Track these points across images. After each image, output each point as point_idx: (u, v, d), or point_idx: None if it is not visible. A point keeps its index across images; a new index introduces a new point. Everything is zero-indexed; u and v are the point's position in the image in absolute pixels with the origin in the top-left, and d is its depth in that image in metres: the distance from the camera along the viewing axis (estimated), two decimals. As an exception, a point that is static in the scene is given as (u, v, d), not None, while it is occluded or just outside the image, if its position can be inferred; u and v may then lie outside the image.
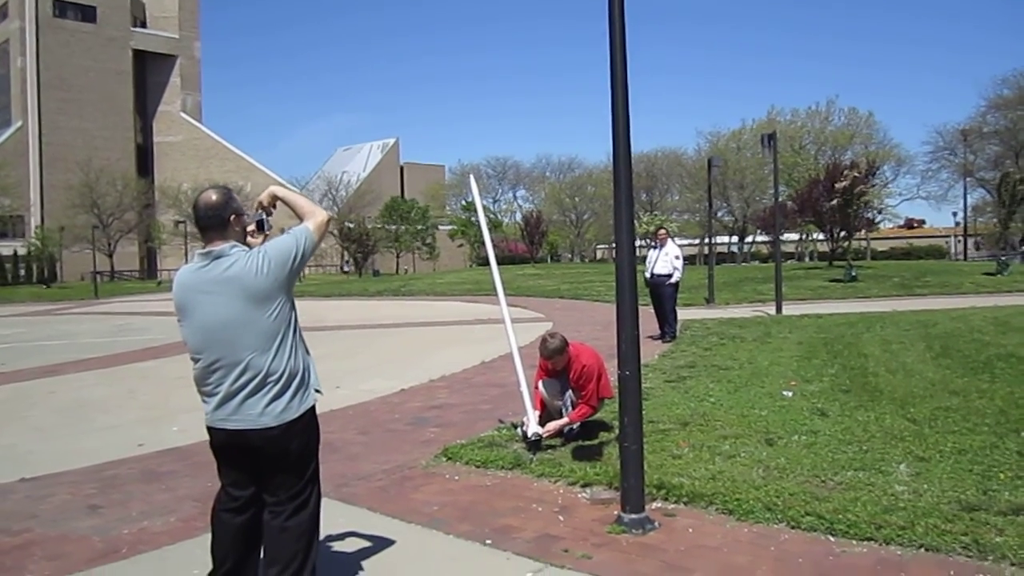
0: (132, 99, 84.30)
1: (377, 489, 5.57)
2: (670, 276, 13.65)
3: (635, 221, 5.41)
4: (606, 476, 5.36)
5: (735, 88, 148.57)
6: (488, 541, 4.45)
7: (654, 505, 4.86)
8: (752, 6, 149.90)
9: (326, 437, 6.48)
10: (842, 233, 33.29)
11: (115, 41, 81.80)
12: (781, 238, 21.81)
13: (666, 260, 13.75)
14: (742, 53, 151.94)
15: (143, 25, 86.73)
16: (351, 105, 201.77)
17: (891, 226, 68.10)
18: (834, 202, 30.30)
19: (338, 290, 37.77)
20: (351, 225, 62.26)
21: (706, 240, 50.10)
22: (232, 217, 3.46)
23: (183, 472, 6.15)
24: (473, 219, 68.92)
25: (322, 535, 4.36)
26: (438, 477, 5.80)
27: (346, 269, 69.88)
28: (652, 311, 13.72)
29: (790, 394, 8.03)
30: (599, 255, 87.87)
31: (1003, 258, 28.64)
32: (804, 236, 61.25)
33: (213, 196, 3.48)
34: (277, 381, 3.39)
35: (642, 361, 4.98)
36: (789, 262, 47.43)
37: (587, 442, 6.41)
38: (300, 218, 3.61)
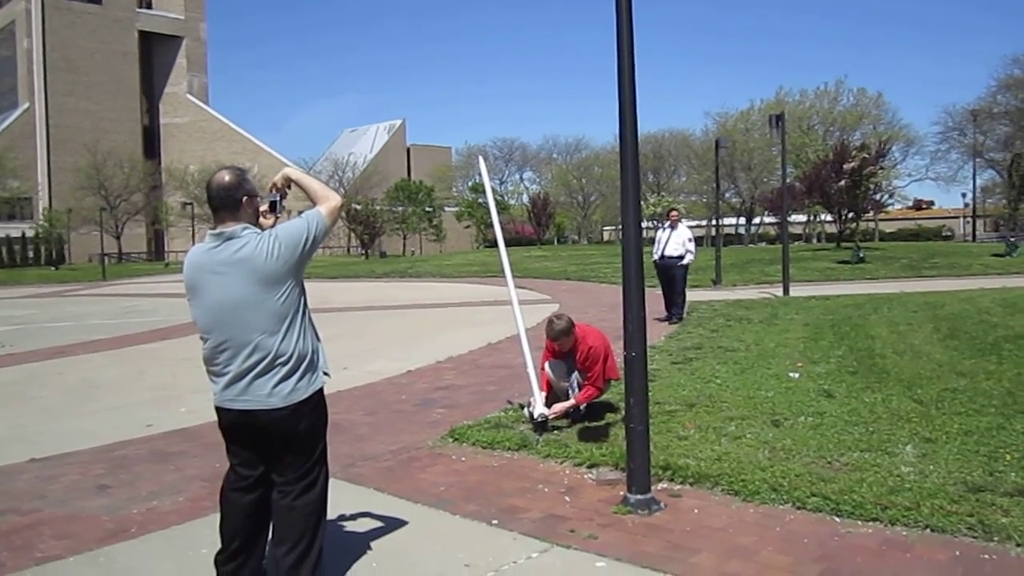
0: (139, 80, 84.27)
1: (384, 469, 5.60)
2: (682, 258, 13.58)
3: (642, 203, 5.40)
4: (612, 457, 5.37)
5: (743, 69, 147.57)
6: (494, 521, 4.47)
7: (660, 486, 4.88)
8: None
9: (333, 418, 6.51)
10: (850, 214, 33.16)
11: (121, 22, 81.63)
12: (789, 219, 21.77)
13: (678, 242, 13.66)
14: (751, 34, 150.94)
15: (149, 6, 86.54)
16: (357, 86, 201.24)
17: (900, 207, 67.86)
18: (842, 183, 30.17)
19: (345, 272, 37.83)
20: (358, 207, 62.23)
21: (713, 221, 49.95)
22: (244, 198, 3.46)
23: (192, 452, 6.19)
24: (480, 200, 68.91)
25: (330, 515, 4.39)
26: (444, 458, 5.82)
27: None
28: (659, 292, 13.68)
29: (797, 375, 8.02)
30: (606, 237, 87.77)
31: (1012, 239, 28.48)
32: (812, 217, 61.16)
33: (226, 177, 3.48)
34: (286, 363, 3.40)
35: (648, 343, 4.98)
36: (796, 243, 47.34)
37: (593, 423, 6.42)
38: (313, 201, 3.61)
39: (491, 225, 7.62)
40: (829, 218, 41.76)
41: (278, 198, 3.69)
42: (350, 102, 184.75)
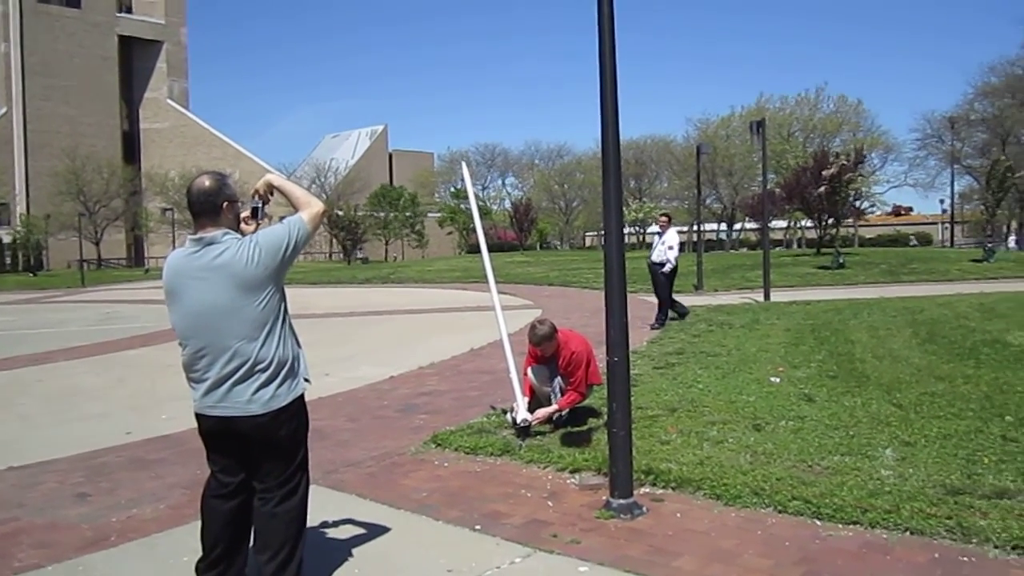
0: (118, 85, 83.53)
1: (366, 475, 5.58)
2: (663, 265, 13.84)
3: (624, 208, 5.42)
4: (595, 462, 5.38)
5: (724, 75, 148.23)
6: (477, 527, 4.47)
7: (642, 490, 4.89)
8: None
9: (315, 424, 6.49)
10: (830, 220, 33.38)
11: (100, 26, 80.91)
12: (769, 225, 21.89)
13: (662, 248, 13.96)
14: (732, 40, 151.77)
15: (128, 10, 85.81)
16: (339, 92, 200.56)
17: (879, 213, 68.41)
18: (822, 189, 30.37)
19: (327, 277, 37.67)
20: (340, 212, 62.01)
21: (694, 227, 50.19)
22: (225, 204, 3.45)
23: (172, 460, 6.14)
24: (463, 206, 68.86)
25: (312, 521, 4.37)
26: (427, 463, 5.81)
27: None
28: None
29: (778, 380, 8.07)
30: (588, 242, 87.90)
31: (989, 245, 28.79)
32: (792, 223, 61.43)
33: (207, 182, 3.47)
34: (265, 369, 3.39)
35: (631, 348, 5.00)
36: (777, 249, 47.59)
37: (576, 428, 6.43)
38: (295, 207, 3.60)
39: (474, 231, 7.64)
40: (809, 224, 42.02)
41: (260, 204, 3.68)
42: (332, 108, 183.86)
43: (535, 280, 27.35)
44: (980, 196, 42.71)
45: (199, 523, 3.64)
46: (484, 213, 68.61)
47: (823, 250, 33.16)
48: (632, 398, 5.03)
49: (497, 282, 7.39)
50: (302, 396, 3.58)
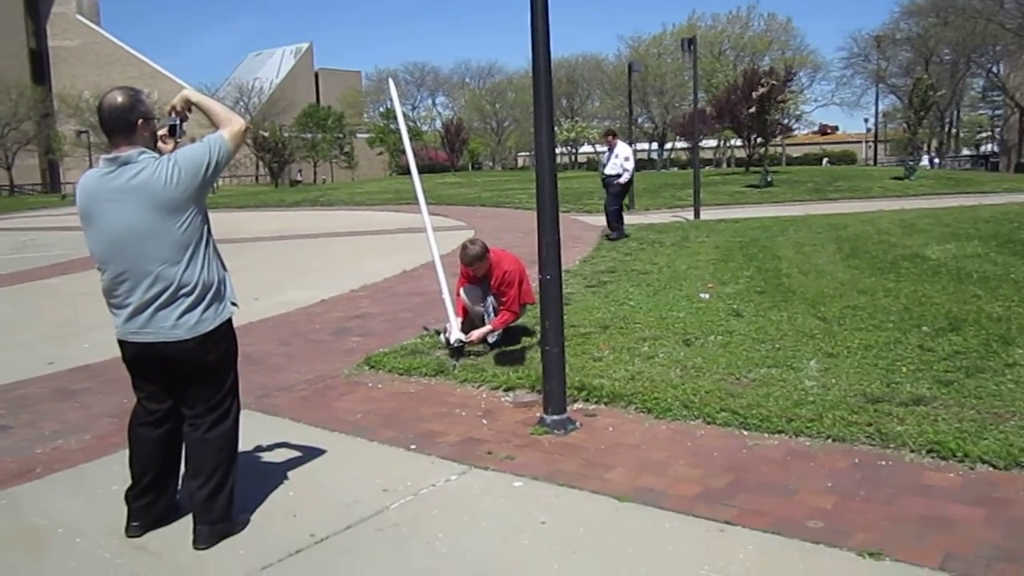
0: (23, 1, 78.80)
1: (299, 399, 5.54)
2: (619, 176, 14.21)
3: (555, 128, 5.35)
4: (528, 380, 5.43)
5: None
6: (412, 446, 4.48)
7: (575, 406, 4.96)
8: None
9: (246, 349, 6.38)
10: (758, 139, 33.75)
11: (0, -65, 75.88)
12: (700, 144, 22.02)
13: (616, 161, 14.28)
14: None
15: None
16: (259, 7, 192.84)
17: (806, 132, 69.47)
18: (752, 109, 30.58)
19: (254, 201, 36.79)
20: (265, 134, 60.29)
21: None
22: (140, 121, 3.27)
23: (96, 389, 5.99)
24: (392, 126, 67.55)
25: (245, 446, 4.32)
26: (361, 386, 5.79)
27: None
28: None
29: (707, 296, 8.21)
30: (520, 163, 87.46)
31: (910, 163, 29.52)
32: (722, 142, 62.02)
33: (119, 98, 3.27)
34: (190, 293, 3.29)
35: (563, 267, 5.00)
36: (707, 168, 48.01)
37: (509, 347, 6.46)
38: (215, 125, 3.44)
39: (404, 151, 7.47)
40: (739, 143, 42.45)
41: (178, 122, 3.50)
42: (252, 24, 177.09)
43: (467, 201, 27.15)
44: (903, 115, 43.62)
45: (127, 452, 3.57)
46: (415, 134, 67.65)
47: (752, 169, 33.61)
48: (565, 316, 5.06)
49: (429, 203, 7.29)
50: (229, 320, 3.50)
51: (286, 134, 63.96)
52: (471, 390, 5.53)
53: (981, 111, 71.19)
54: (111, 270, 3.28)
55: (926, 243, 11.71)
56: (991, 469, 3.78)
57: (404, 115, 8.27)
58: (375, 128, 76.08)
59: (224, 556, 3.32)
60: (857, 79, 62.47)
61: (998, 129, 69.05)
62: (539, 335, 5.11)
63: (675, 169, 57.48)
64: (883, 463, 3.93)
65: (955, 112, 64.05)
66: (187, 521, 3.47)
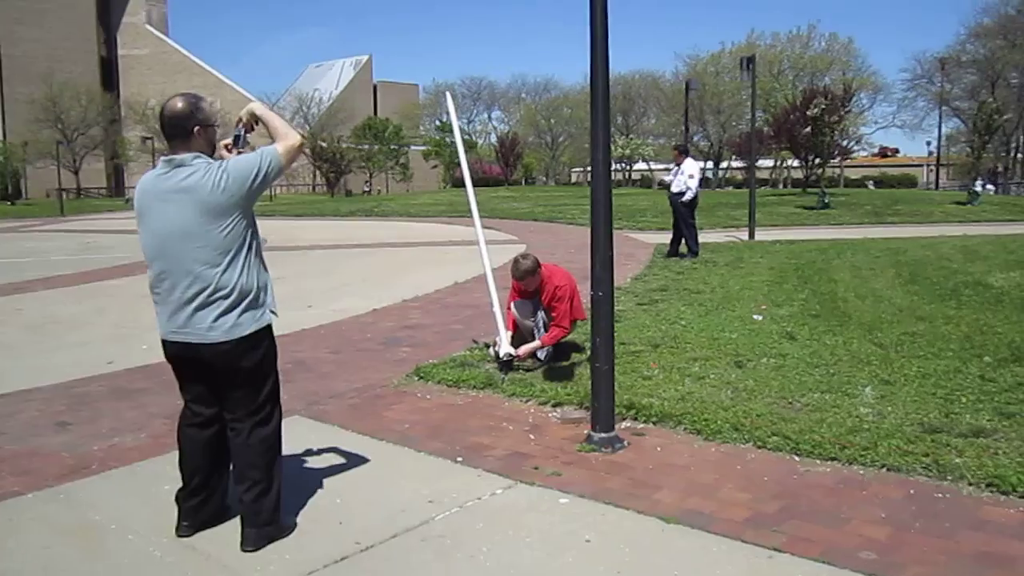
0: (95, 9, 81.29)
1: (348, 407, 5.59)
2: (682, 195, 13.88)
3: (611, 144, 5.35)
4: (577, 396, 5.41)
5: (715, 12, 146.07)
6: (459, 459, 4.49)
7: (624, 425, 4.93)
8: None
9: (298, 356, 6.47)
10: (816, 160, 33.27)
11: (75, -53, 78.42)
12: (756, 164, 21.79)
13: (681, 178, 13.98)
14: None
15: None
16: (322, 19, 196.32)
17: (865, 154, 68.26)
18: (808, 129, 30.17)
19: (310, 210, 37.36)
20: (323, 144, 61.19)
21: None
22: (196, 128, 3.37)
23: (153, 389, 6.12)
24: (448, 139, 68.14)
25: (294, 452, 4.39)
26: (410, 396, 5.82)
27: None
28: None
29: (760, 318, 8.11)
30: (574, 178, 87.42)
31: (973, 188, 28.83)
32: (779, 163, 61.30)
33: (179, 104, 3.39)
34: (227, 296, 3.35)
35: (615, 284, 4.98)
36: (763, 188, 47.49)
37: (559, 363, 6.45)
38: (272, 138, 3.53)
39: (459, 164, 7.53)
40: (796, 163, 41.91)
41: (242, 132, 3.61)
42: (314, 35, 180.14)
43: (520, 215, 27.21)
44: (967, 139, 42.66)
45: (178, 453, 3.64)
46: (469, 147, 67.95)
47: (808, 190, 33.12)
48: (615, 333, 5.03)
49: (482, 217, 7.32)
50: (269, 328, 3.56)
51: (343, 145, 64.86)
52: (519, 404, 5.53)
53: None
54: (156, 267, 3.41)
55: (989, 270, 11.41)
56: (1054, 506, 3.65)
57: (460, 128, 8.33)
58: (431, 141, 76.77)
59: (271, 560, 3.36)
60: (920, 101, 61.37)
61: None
62: (589, 351, 5.09)
63: (730, 188, 56.99)
64: (940, 495, 3.82)
65: (1021, 137, 62.41)
66: (235, 524, 3.53)
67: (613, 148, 55.67)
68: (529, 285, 6.37)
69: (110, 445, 4.86)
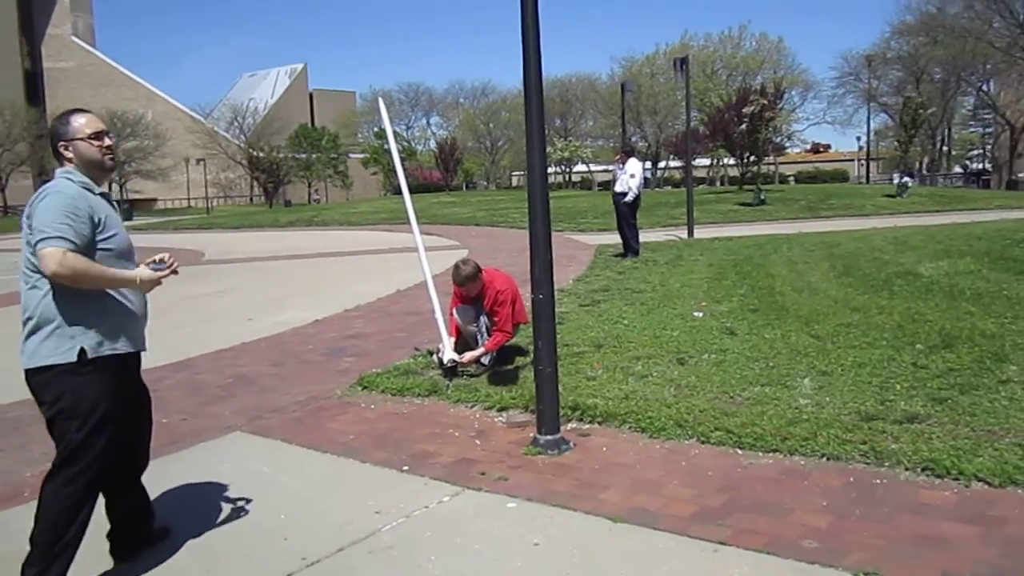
0: (17, 21, 79.04)
1: (292, 420, 5.50)
2: (625, 195, 13.85)
3: (549, 147, 5.36)
4: (522, 400, 5.40)
5: (649, 14, 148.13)
6: (405, 467, 4.45)
7: (569, 426, 4.94)
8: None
9: (239, 370, 6.35)
10: (751, 158, 33.93)
11: (-5, -42, 76.21)
12: (693, 163, 22.12)
13: (624, 177, 13.93)
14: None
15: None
16: (254, 29, 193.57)
17: (798, 150, 69.78)
18: (743, 127, 30.77)
19: (248, 221, 36.82)
20: (260, 154, 60.37)
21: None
22: (60, 145, 3.26)
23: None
24: (386, 146, 67.71)
25: (237, 468, 4.30)
26: (354, 406, 5.76)
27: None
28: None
29: (701, 315, 8.21)
30: (515, 182, 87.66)
31: (903, 180, 29.67)
32: (715, 161, 62.39)
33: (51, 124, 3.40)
34: (27, 320, 3.12)
35: (557, 286, 5.00)
36: (701, 187, 48.24)
37: (503, 367, 6.44)
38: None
39: (396, 171, 7.49)
40: (732, 161, 42.69)
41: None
42: (247, 45, 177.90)
43: (461, 221, 27.21)
44: (895, 133, 43.88)
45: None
46: (408, 154, 67.85)
47: (745, 187, 33.74)
48: (558, 335, 5.05)
49: (423, 223, 7.30)
50: (75, 369, 3.08)
51: (280, 154, 64.09)
52: (464, 410, 5.51)
53: (972, 129, 71.62)
54: None
55: (919, 260, 11.74)
56: (986, 487, 3.76)
57: (397, 134, 8.31)
58: (369, 148, 76.27)
59: (214, 580, 3.29)
60: (849, 98, 62.94)
61: (989, 147, 69.46)
62: (532, 354, 5.09)
63: (669, 188, 57.74)
64: (878, 481, 3.91)
65: (947, 130, 64.45)
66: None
67: (552, 150, 55.66)
68: (470, 290, 6.36)
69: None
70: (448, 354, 6.16)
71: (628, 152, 14.64)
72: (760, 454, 4.33)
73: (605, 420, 4.99)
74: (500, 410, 5.40)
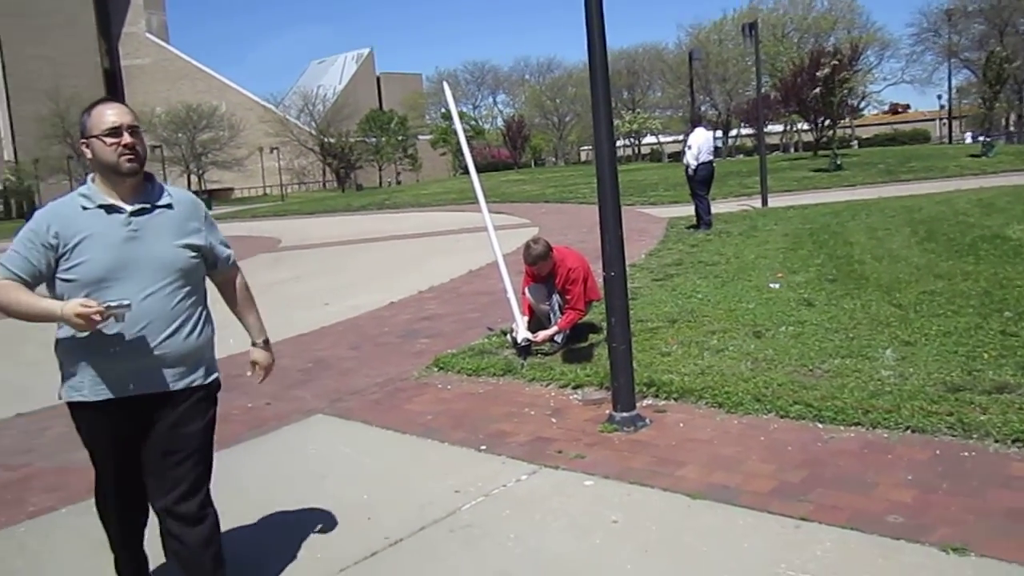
0: (95, 22, 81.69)
1: (371, 402, 5.62)
2: (688, 167, 13.79)
3: (616, 120, 5.32)
4: (597, 377, 5.41)
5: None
6: (483, 447, 4.51)
7: (645, 403, 4.93)
8: None
9: (318, 354, 6.50)
10: (826, 122, 32.98)
11: (71, -39, 78.72)
12: (765, 130, 21.64)
13: (689, 152, 13.84)
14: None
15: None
16: (320, 15, 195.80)
17: (876, 112, 67.51)
18: (817, 91, 29.90)
19: (322, 207, 37.46)
20: (331, 140, 61.25)
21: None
22: (81, 144, 2.85)
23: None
24: (453, 127, 68.08)
25: (319, 449, 4.41)
26: (431, 387, 5.85)
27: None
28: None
29: (777, 286, 8.07)
30: (583, 157, 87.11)
31: (987, 139, 28.48)
32: (788, 127, 60.76)
33: None
34: None
35: (629, 261, 4.97)
36: (774, 154, 47.09)
37: (577, 345, 6.45)
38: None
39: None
40: (806, 127, 41.55)
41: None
42: (315, 32, 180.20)
43: (531, 198, 27.17)
44: (978, 90, 42.12)
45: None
46: (476, 133, 68.05)
47: (820, 152, 32.85)
48: (631, 311, 5.03)
49: (492, 202, 7.33)
50: (76, 410, 2.92)
51: (351, 139, 64.93)
52: (539, 389, 5.54)
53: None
54: None
55: (1006, 223, 11.28)
56: (1082, 458, 3.63)
57: (463, 115, 8.37)
58: (437, 129, 76.72)
59: (302, 559, 3.39)
60: (928, 55, 60.57)
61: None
62: (606, 331, 5.09)
63: (741, 156, 56.57)
64: (966, 454, 3.80)
65: (1035, 84, 61.57)
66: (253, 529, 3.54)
67: (620, 124, 54.99)
68: (542, 269, 6.37)
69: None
70: (522, 333, 6.20)
71: (695, 122, 14.44)
72: (841, 428, 4.25)
73: (681, 396, 4.97)
74: (575, 388, 5.41)
